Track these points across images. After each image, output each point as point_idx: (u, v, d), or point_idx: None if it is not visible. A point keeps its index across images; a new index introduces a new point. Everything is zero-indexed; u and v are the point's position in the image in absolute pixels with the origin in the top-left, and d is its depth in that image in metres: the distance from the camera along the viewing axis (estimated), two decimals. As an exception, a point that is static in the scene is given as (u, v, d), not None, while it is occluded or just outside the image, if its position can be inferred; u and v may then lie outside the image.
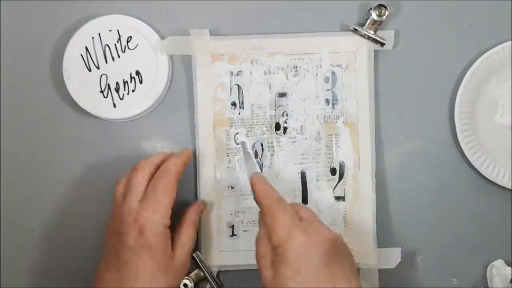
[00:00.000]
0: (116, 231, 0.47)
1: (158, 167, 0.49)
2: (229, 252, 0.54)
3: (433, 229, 0.55)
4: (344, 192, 0.54)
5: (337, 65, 0.54)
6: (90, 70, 0.54)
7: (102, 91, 0.54)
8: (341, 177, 0.54)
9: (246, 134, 0.55)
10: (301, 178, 0.54)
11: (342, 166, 0.54)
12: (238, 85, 0.55)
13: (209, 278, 0.53)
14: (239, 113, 0.55)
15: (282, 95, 0.55)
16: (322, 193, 0.54)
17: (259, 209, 0.47)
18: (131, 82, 0.54)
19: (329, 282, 0.42)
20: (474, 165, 0.54)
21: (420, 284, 0.55)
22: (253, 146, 0.55)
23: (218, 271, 0.54)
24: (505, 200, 0.55)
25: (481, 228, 0.55)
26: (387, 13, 0.52)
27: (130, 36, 0.54)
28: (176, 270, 0.48)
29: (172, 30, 0.55)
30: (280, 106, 0.55)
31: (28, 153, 0.55)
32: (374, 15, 0.52)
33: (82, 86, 0.54)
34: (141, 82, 0.54)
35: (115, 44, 0.54)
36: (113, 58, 0.54)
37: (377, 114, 0.54)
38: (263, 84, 0.55)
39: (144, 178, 0.48)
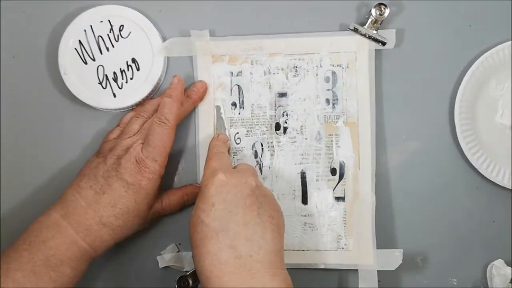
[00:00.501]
0: (112, 160, 0.49)
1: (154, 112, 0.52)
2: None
3: (433, 229, 0.55)
4: (344, 193, 0.54)
5: (337, 65, 0.54)
6: (86, 63, 0.54)
7: (100, 83, 0.54)
8: (341, 177, 0.54)
9: (246, 134, 0.55)
10: (301, 178, 0.54)
11: (342, 166, 0.54)
12: (238, 86, 0.55)
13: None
14: (239, 113, 0.55)
15: (282, 95, 0.55)
16: (322, 193, 0.54)
17: None
18: (128, 70, 0.54)
19: (241, 221, 0.43)
20: (474, 165, 0.54)
21: (420, 284, 0.55)
22: (253, 146, 0.55)
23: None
24: (505, 200, 0.55)
25: (481, 228, 0.55)
26: (387, 11, 0.52)
27: (122, 25, 0.54)
28: (145, 220, 0.51)
29: (172, 31, 0.55)
30: (280, 106, 0.55)
31: (30, 150, 0.56)
32: (374, 14, 0.52)
33: (80, 79, 0.54)
34: (138, 69, 0.54)
35: (108, 34, 0.54)
36: (107, 49, 0.54)
37: (378, 114, 0.54)
38: (263, 84, 0.55)
39: (139, 125, 0.52)
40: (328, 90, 0.54)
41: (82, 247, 0.47)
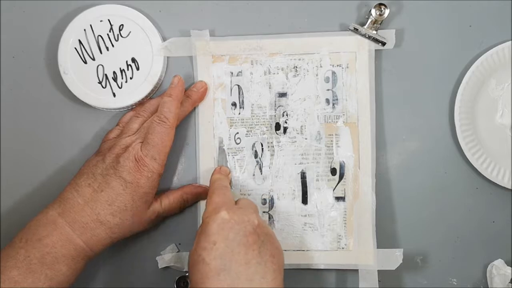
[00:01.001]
0: (110, 158, 0.49)
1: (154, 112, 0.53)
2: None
3: (433, 229, 0.55)
4: (344, 193, 0.54)
5: (337, 65, 0.54)
6: (85, 63, 0.54)
7: (100, 82, 0.54)
8: (341, 177, 0.54)
9: (246, 134, 0.55)
10: (301, 178, 0.54)
11: (342, 166, 0.54)
12: (238, 86, 0.55)
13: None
14: (239, 113, 0.55)
15: (282, 95, 0.55)
16: (322, 193, 0.54)
17: None
18: (128, 70, 0.54)
19: (243, 261, 0.43)
20: (474, 165, 0.54)
21: (420, 284, 0.55)
22: (253, 146, 0.55)
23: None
24: (505, 200, 0.55)
25: (481, 228, 0.55)
26: (387, 12, 0.52)
27: (122, 24, 0.54)
28: (144, 220, 0.50)
29: (172, 31, 0.55)
30: (280, 106, 0.55)
31: (30, 150, 0.55)
32: (374, 14, 0.52)
33: (79, 79, 0.54)
34: (138, 68, 0.54)
35: (107, 34, 0.54)
36: (107, 48, 0.54)
37: (378, 114, 0.54)
38: (263, 84, 0.55)
39: (139, 125, 0.52)
40: (328, 90, 0.54)
41: (78, 245, 0.46)
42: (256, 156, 0.55)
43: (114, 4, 0.54)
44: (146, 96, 0.54)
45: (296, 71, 0.54)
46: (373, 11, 0.52)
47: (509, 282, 0.53)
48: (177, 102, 0.51)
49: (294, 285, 0.54)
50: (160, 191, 0.52)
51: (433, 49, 0.55)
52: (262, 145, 0.55)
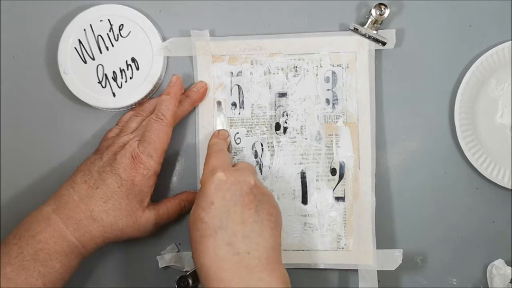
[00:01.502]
0: (108, 156, 0.49)
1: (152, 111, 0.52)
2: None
3: (433, 229, 0.55)
4: (344, 193, 0.54)
5: (337, 65, 0.54)
6: (85, 62, 0.54)
7: (100, 82, 0.54)
8: (341, 177, 0.54)
9: (246, 134, 0.55)
10: (301, 178, 0.54)
11: (342, 166, 0.54)
12: (238, 86, 0.55)
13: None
14: (239, 113, 0.55)
15: (282, 95, 0.55)
16: (322, 193, 0.54)
17: None
18: (127, 69, 0.54)
19: (239, 220, 0.44)
20: (474, 165, 0.54)
21: (420, 284, 0.55)
22: (253, 146, 0.55)
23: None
24: (505, 200, 0.55)
25: (481, 228, 0.55)
26: (387, 12, 0.52)
27: (122, 24, 0.54)
28: (139, 223, 0.50)
29: (172, 31, 0.55)
30: (280, 106, 0.55)
31: (30, 149, 0.55)
32: (374, 14, 0.52)
33: (79, 79, 0.54)
34: (137, 68, 0.54)
35: (107, 34, 0.54)
36: (107, 48, 0.54)
37: (377, 114, 0.54)
38: (263, 84, 0.55)
39: (138, 124, 0.52)
40: (328, 90, 0.54)
41: (71, 242, 0.46)
42: (256, 156, 0.55)
43: (114, 4, 0.54)
44: (146, 96, 0.54)
45: (296, 71, 0.54)
46: (373, 11, 0.52)
47: (509, 282, 0.53)
48: (175, 100, 0.51)
49: (294, 285, 0.54)
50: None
51: (433, 49, 0.55)
52: (262, 145, 0.55)
